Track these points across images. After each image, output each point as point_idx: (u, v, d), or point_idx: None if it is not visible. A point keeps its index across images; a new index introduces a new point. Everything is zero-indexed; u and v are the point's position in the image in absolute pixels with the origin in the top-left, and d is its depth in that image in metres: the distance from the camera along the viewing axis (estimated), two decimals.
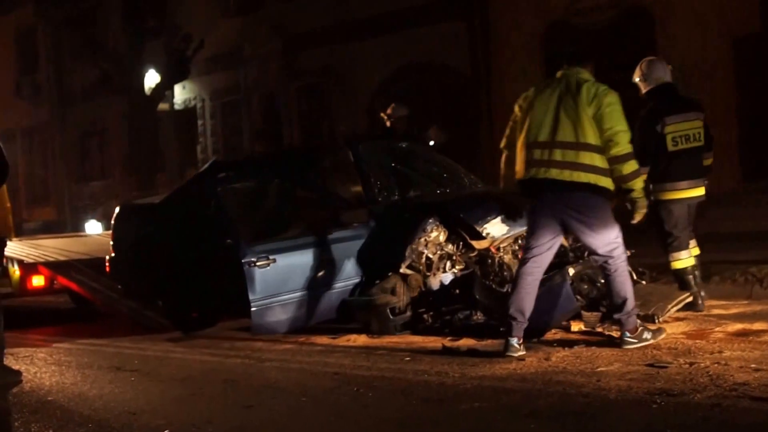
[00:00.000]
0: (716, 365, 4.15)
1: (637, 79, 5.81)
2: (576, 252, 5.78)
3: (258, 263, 5.54)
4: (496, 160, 5.20)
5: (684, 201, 5.70)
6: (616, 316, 4.75)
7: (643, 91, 5.77)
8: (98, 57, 16.45)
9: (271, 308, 5.63)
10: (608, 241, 4.64)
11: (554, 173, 4.58)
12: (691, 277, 5.68)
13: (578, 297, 5.39)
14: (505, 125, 5.02)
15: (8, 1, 21.98)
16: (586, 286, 5.49)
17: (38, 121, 22.45)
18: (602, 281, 5.35)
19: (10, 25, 22.68)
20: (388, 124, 8.33)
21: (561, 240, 4.88)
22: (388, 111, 8.34)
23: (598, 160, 4.56)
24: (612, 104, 4.54)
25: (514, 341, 4.70)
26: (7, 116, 21.54)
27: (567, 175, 4.55)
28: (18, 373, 5.19)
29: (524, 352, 4.71)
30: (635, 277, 5.82)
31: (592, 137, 4.54)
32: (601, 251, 4.67)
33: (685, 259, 5.71)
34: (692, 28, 10.43)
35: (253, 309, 5.56)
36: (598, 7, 11.58)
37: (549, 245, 4.73)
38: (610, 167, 4.57)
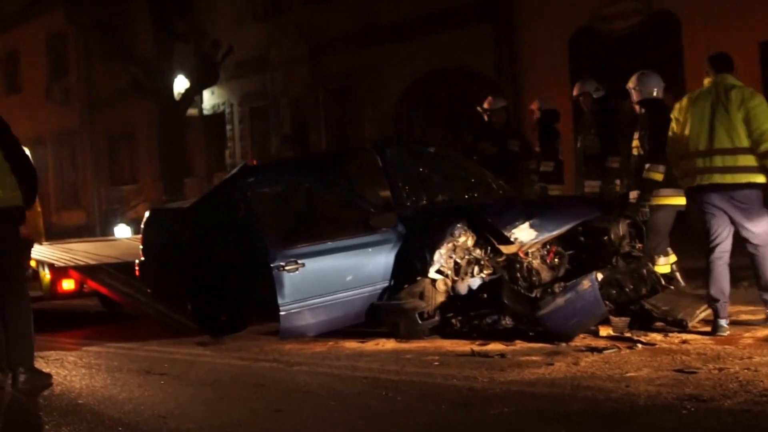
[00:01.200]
0: (746, 371, 4.14)
1: (631, 86, 6.33)
2: (605, 257, 5.78)
3: (287, 267, 5.57)
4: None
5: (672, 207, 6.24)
6: (765, 296, 5.30)
7: (635, 99, 6.32)
8: (127, 62, 16.64)
9: (300, 312, 5.66)
10: (763, 230, 5.16)
11: (717, 178, 5.14)
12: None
13: (607, 302, 5.38)
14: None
15: (39, 7, 22.37)
16: (614, 291, 5.47)
17: (68, 125, 22.75)
18: (631, 287, 5.40)
19: (41, 30, 23.03)
20: (485, 117, 8.27)
21: (732, 227, 5.28)
22: (485, 105, 8.28)
23: (751, 160, 5.07)
24: (758, 105, 5.04)
25: (723, 322, 5.14)
26: (37, 120, 21.85)
27: (729, 179, 5.12)
28: (48, 375, 5.30)
29: (730, 331, 5.13)
30: (663, 282, 5.82)
31: (745, 140, 5.03)
32: (755, 240, 5.17)
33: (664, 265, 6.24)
34: (718, 33, 10.36)
35: (281, 313, 5.58)
36: (624, 13, 11.54)
37: (726, 234, 5.25)
38: (760, 163, 5.05)
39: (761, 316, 5.48)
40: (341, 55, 15.13)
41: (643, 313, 5.38)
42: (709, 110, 5.10)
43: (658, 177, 6.04)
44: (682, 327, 5.20)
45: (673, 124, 5.32)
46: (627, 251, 5.94)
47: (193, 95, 16.81)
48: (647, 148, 6.13)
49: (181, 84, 16.45)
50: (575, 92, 7.91)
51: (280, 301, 5.57)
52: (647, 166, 6.08)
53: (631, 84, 6.37)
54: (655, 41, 11.20)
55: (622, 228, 5.99)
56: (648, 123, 6.18)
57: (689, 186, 5.32)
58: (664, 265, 6.25)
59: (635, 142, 6.35)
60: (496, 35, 12.92)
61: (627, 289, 5.51)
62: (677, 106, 5.34)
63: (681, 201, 6.15)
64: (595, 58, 11.74)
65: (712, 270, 5.23)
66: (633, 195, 6.30)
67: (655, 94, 6.31)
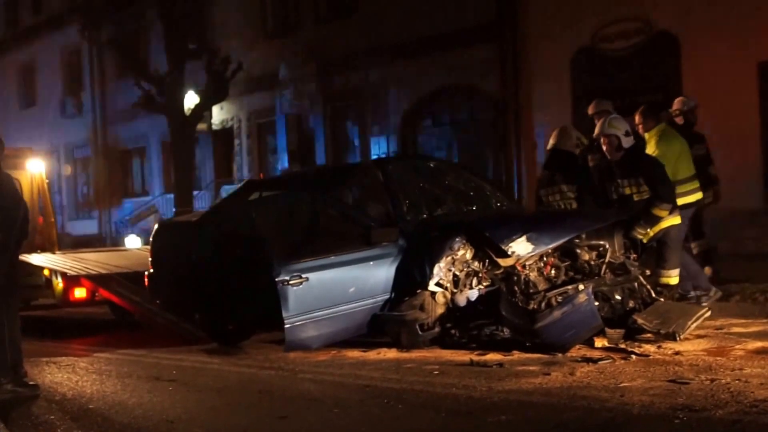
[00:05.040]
0: (737, 382, 4.20)
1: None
2: (594, 268, 5.88)
3: (291, 282, 5.62)
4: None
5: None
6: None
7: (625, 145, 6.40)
8: (141, 78, 16.87)
9: (304, 325, 5.71)
10: None
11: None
12: None
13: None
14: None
15: (55, 23, 22.68)
16: (597, 303, 5.54)
17: (81, 139, 22.98)
18: (618, 298, 5.54)
19: (56, 47, 23.32)
20: (680, 120, 7.80)
21: None
22: (678, 105, 7.95)
23: None
24: None
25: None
26: (52, 133, 22.13)
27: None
28: (35, 386, 5.33)
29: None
30: (653, 295, 5.93)
31: None
32: None
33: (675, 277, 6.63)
34: (717, 53, 10.50)
35: (286, 326, 5.63)
36: (625, 33, 11.66)
37: None
38: None
39: (753, 329, 5.59)
40: (349, 73, 15.29)
41: (635, 328, 5.47)
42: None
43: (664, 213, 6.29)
44: (674, 340, 5.29)
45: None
46: (621, 262, 6.05)
47: (203, 110, 16.97)
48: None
49: (191, 100, 16.64)
50: (590, 111, 7.83)
51: (284, 315, 5.61)
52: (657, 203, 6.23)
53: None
54: (655, 61, 11.33)
55: (617, 240, 6.10)
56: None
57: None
58: (676, 276, 6.47)
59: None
60: (500, 55, 13.06)
61: (612, 302, 5.60)
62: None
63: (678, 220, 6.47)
64: (596, 78, 11.89)
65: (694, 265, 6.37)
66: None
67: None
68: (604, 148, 6.42)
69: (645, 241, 6.25)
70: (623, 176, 6.36)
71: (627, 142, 6.33)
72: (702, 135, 7.78)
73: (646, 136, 7.07)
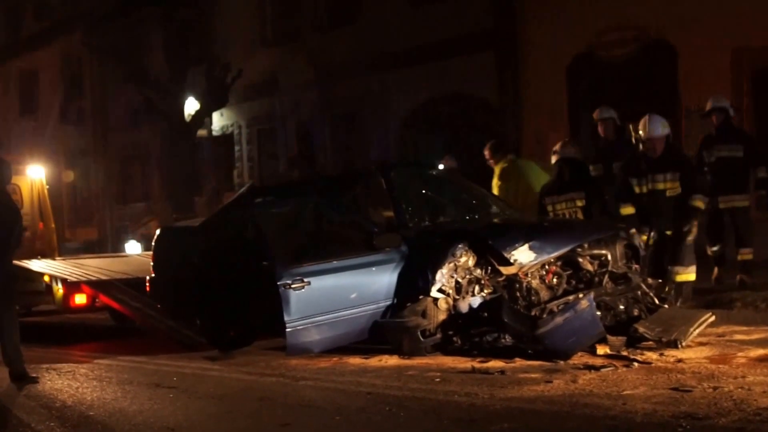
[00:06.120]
0: (740, 390, 4.20)
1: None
2: (595, 278, 5.88)
3: (293, 285, 5.64)
4: None
5: None
6: None
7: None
8: (141, 85, 16.90)
9: (306, 329, 5.73)
10: None
11: None
12: None
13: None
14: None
15: (56, 30, 22.73)
16: (599, 312, 5.56)
17: (82, 145, 23.00)
18: (621, 307, 5.56)
19: (57, 53, 23.35)
20: (713, 119, 7.82)
21: None
22: (595, 115, 8.20)
23: None
24: None
25: None
26: (53, 140, 22.13)
27: None
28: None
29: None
30: (657, 302, 5.93)
31: None
32: None
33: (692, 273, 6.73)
34: (712, 61, 10.55)
35: (288, 330, 5.65)
36: (621, 40, 11.70)
37: None
38: None
39: (755, 336, 5.59)
40: (348, 80, 15.32)
41: (636, 337, 5.48)
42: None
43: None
44: (676, 347, 5.29)
45: None
46: (623, 272, 6.05)
47: (203, 117, 17.00)
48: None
49: (191, 106, 16.67)
50: (596, 116, 8.04)
51: (286, 318, 5.63)
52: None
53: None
54: (651, 69, 11.38)
55: (618, 249, 6.11)
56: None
57: None
58: (693, 273, 6.63)
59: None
60: (498, 62, 13.10)
61: (615, 311, 5.61)
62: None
63: None
64: (594, 85, 11.94)
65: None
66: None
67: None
68: (652, 146, 6.69)
69: (693, 234, 6.49)
70: (659, 171, 6.63)
71: (669, 139, 6.75)
72: (740, 136, 7.80)
73: (495, 168, 8.02)
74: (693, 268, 6.54)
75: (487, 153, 8.49)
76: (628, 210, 6.91)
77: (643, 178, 6.74)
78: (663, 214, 6.68)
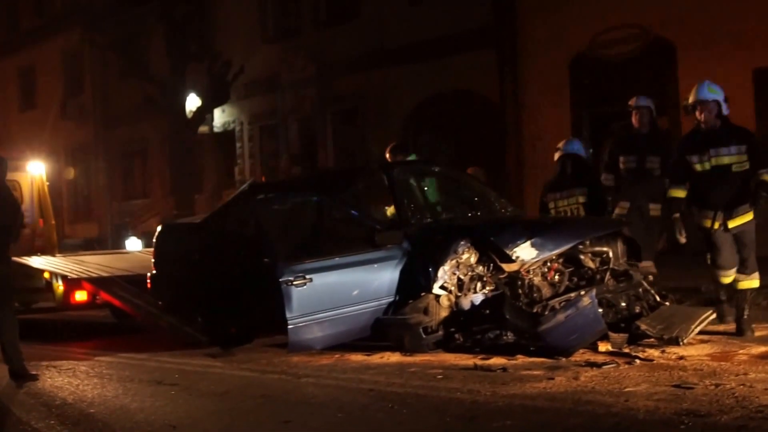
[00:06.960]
0: (741, 387, 4.21)
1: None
2: (597, 275, 5.88)
3: (295, 282, 5.65)
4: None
5: None
6: None
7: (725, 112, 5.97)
8: (143, 80, 16.89)
9: (308, 326, 5.74)
10: None
11: None
12: None
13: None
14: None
15: (56, 26, 22.71)
16: (601, 310, 5.53)
17: (82, 141, 22.98)
18: (622, 305, 5.53)
19: (57, 49, 23.33)
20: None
21: None
22: (631, 103, 7.49)
23: None
24: None
25: None
26: (53, 136, 22.12)
27: None
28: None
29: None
30: (658, 299, 5.92)
31: None
32: None
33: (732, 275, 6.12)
34: (713, 60, 10.55)
35: (289, 327, 5.67)
36: (622, 39, 11.72)
37: None
38: None
39: (757, 334, 5.60)
40: (349, 76, 15.34)
41: (638, 334, 5.48)
42: None
43: None
44: (677, 344, 5.28)
45: None
46: (624, 269, 6.05)
47: (204, 113, 17.01)
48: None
49: (193, 102, 16.67)
50: (631, 103, 7.30)
51: (288, 315, 5.65)
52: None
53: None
54: (652, 67, 11.39)
55: (620, 247, 6.10)
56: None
57: None
58: (757, 279, 6.00)
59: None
60: (499, 60, 13.12)
61: (617, 308, 5.60)
62: None
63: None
64: (594, 83, 11.94)
65: None
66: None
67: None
68: (701, 115, 5.83)
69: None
70: (722, 144, 5.78)
71: (726, 108, 5.85)
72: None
73: None
74: (756, 275, 5.98)
75: (388, 155, 8.19)
76: (678, 193, 6.07)
77: (704, 154, 5.84)
78: (728, 194, 5.80)
